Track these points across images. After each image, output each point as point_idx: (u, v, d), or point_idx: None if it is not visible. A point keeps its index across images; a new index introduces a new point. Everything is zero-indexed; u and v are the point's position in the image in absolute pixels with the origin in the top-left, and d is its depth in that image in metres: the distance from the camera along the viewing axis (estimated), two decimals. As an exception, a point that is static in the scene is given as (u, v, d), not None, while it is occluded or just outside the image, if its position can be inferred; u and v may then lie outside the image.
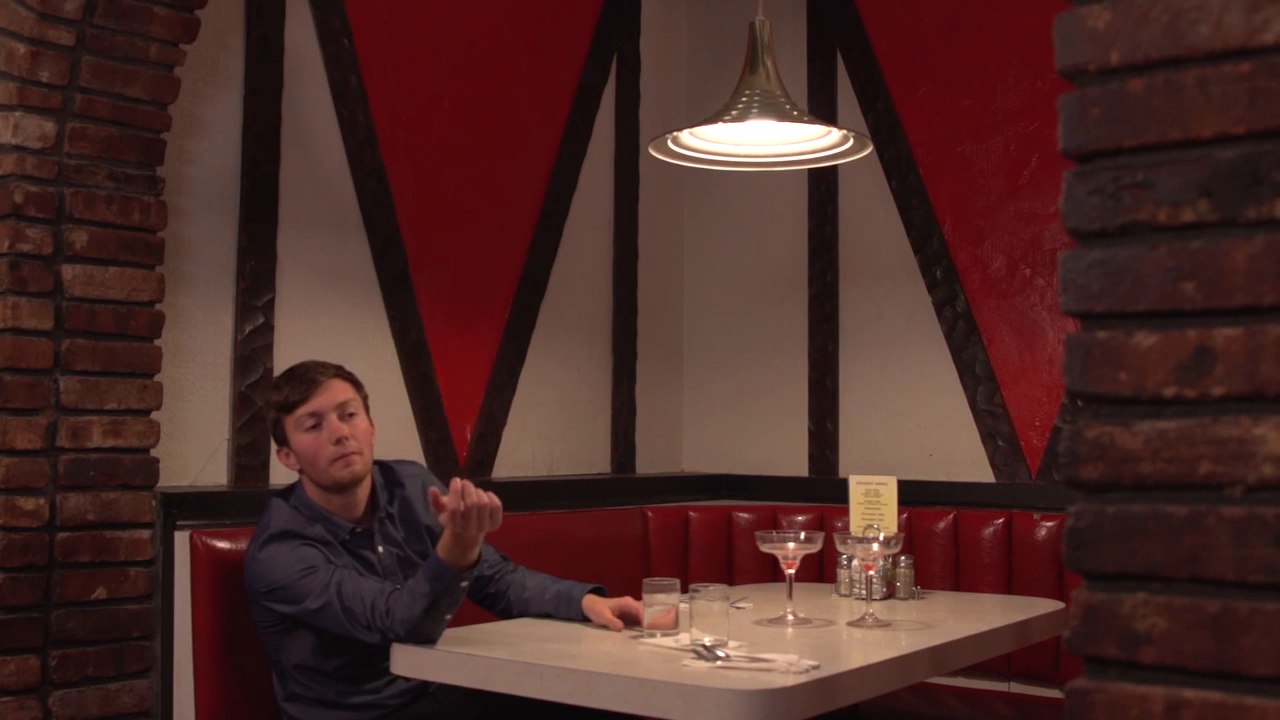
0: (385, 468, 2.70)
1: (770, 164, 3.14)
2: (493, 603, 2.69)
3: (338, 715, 2.53)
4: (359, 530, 2.58)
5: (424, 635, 2.30)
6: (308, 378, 2.54)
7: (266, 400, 2.60)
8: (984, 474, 3.72)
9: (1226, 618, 0.94)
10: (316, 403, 2.52)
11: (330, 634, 2.44)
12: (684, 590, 2.47)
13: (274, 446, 2.63)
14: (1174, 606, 0.97)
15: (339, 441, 2.51)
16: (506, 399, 3.80)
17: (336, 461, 2.50)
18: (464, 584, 2.32)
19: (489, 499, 2.27)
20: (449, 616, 2.33)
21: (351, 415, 2.55)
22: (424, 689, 2.56)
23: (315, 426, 2.51)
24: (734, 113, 2.76)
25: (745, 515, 3.82)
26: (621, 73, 4.20)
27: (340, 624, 2.37)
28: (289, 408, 2.53)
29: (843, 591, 3.03)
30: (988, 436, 3.73)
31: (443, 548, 2.31)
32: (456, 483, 2.27)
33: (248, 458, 3.14)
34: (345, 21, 3.40)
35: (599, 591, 2.60)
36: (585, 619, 2.56)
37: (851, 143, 2.93)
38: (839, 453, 4.04)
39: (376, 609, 2.32)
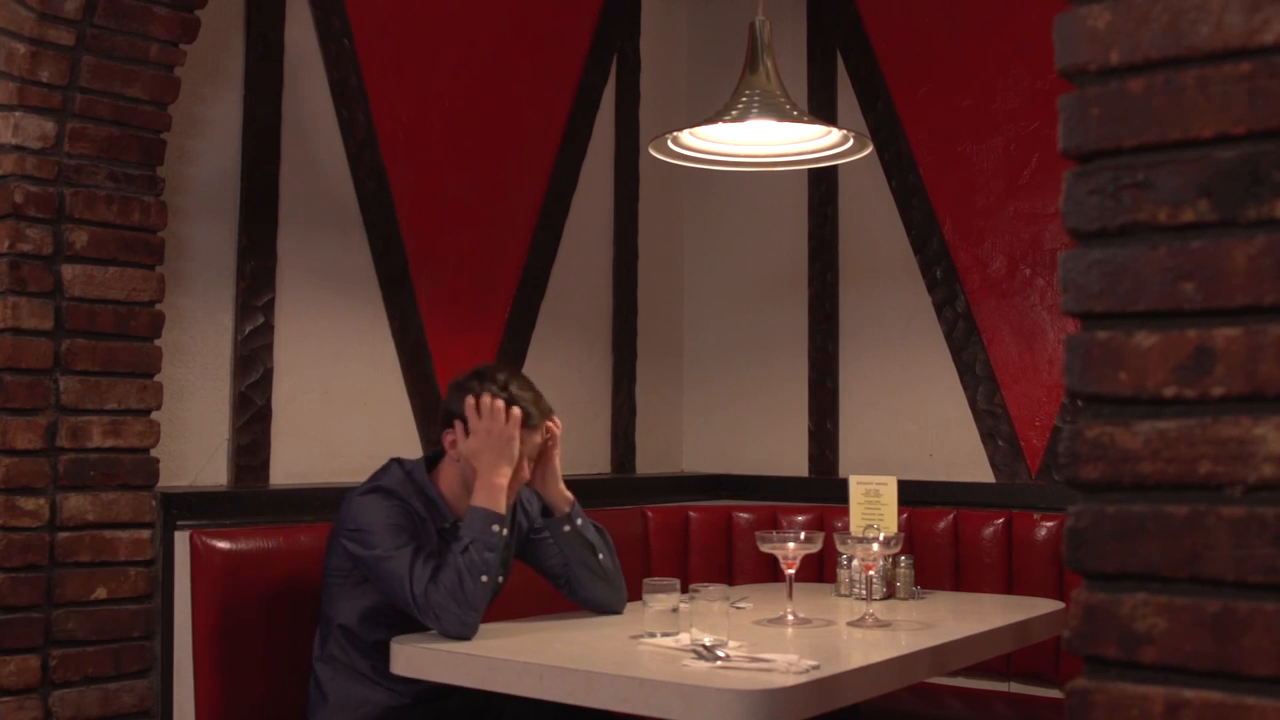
0: None
1: (770, 164, 3.13)
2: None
3: (364, 689, 2.55)
4: (458, 523, 2.62)
5: (457, 606, 2.34)
6: (538, 420, 2.59)
7: (486, 385, 2.57)
8: (984, 474, 3.72)
9: (1226, 618, 0.94)
10: (533, 439, 2.60)
11: (385, 600, 2.48)
12: (684, 590, 2.47)
13: (445, 422, 2.61)
14: (1174, 606, 0.97)
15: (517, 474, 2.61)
16: (506, 399, 3.79)
17: None
18: (495, 528, 2.41)
19: (502, 427, 2.48)
20: (485, 579, 2.36)
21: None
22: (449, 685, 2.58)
23: None
24: (734, 113, 2.76)
25: (745, 515, 3.82)
26: (621, 73, 4.20)
27: (396, 584, 2.42)
28: (520, 421, 2.57)
29: (843, 591, 3.03)
30: (988, 436, 3.73)
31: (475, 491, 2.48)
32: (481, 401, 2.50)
33: (248, 458, 3.14)
34: (345, 21, 3.40)
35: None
36: (562, 524, 2.66)
37: (851, 143, 2.93)
38: (839, 453, 4.04)
39: (428, 578, 2.39)
